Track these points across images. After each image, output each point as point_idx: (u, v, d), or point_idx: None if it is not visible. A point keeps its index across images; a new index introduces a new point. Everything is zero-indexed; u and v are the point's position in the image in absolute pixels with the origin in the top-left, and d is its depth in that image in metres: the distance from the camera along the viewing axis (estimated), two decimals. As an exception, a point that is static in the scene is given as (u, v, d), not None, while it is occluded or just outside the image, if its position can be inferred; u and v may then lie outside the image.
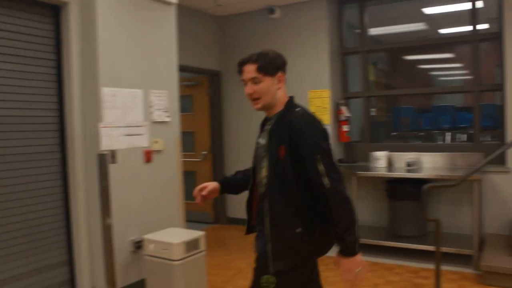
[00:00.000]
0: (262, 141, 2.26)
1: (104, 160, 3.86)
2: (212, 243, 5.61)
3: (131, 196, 4.11)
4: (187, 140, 6.56)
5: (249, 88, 2.15)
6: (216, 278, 4.48)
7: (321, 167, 2.00)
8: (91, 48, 3.91)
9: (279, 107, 2.22)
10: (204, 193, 2.48)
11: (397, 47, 6.65)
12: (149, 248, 3.75)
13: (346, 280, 2.03)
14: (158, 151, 4.35)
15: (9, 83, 3.61)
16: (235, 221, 6.66)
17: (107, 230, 3.91)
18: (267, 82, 2.15)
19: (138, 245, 4.08)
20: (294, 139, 2.06)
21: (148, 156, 4.25)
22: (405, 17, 6.81)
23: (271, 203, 2.12)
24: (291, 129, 2.08)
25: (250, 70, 2.14)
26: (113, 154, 3.91)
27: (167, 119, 4.47)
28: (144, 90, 4.24)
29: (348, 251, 2.01)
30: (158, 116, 4.37)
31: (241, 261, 4.99)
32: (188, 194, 6.39)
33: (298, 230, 2.06)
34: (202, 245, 3.83)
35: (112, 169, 3.91)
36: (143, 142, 4.19)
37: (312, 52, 5.99)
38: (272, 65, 2.17)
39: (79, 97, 3.98)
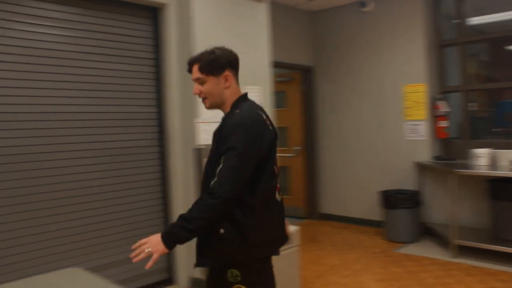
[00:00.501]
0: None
1: (201, 155, 4.02)
2: (305, 238, 5.63)
3: (228, 189, 4.21)
4: (280, 135, 6.60)
5: (195, 89, 2.12)
6: (309, 273, 4.49)
7: (220, 167, 1.92)
8: (188, 46, 4.07)
9: (228, 107, 2.13)
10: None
11: (500, 37, 6.24)
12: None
13: (138, 251, 1.96)
14: (252, 146, 4.43)
15: (114, 81, 3.90)
16: (327, 217, 6.63)
17: (204, 223, 4.07)
18: (211, 82, 2.08)
19: (233, 238, 4.18)
20: (220, 140, 2.01)
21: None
22: (510, 3, 6.38)
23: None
24: (220, 131, 2.04)
25: (195, 70, 2.10)
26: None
27: (261, 115, 4.53)
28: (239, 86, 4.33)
29: (166, 233, 1.96)
30: (252, 111, 4.44)
31: (333, 258, 4.97)
32: (282, 189, 6.48)
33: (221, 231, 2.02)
34: (296, 240, 3.85)
35: (209, 163, 4.06)
36: (238, 137, 4.29)
37: (407, 45, 5.80)
38: (215, 64, 2.07)
39: (177, 93, 4.17)
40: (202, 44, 4.04)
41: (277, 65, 5.55)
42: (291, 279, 3.80)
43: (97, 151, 3.79)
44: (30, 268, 3.40)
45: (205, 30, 4.09)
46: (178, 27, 4.16)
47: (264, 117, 2.13)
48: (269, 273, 2.21)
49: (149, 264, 1.89)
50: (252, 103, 2.17)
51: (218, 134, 2.04)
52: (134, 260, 1.91)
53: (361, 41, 6.22)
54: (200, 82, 2.09)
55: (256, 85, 4.50)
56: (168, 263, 4.26)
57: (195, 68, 2.09)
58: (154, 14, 4.19)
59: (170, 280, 4.27)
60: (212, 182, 1.91)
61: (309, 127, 6.79)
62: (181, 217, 1.94)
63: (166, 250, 1.93)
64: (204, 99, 2.13)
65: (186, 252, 4.17)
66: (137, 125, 4.06)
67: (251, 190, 2.00)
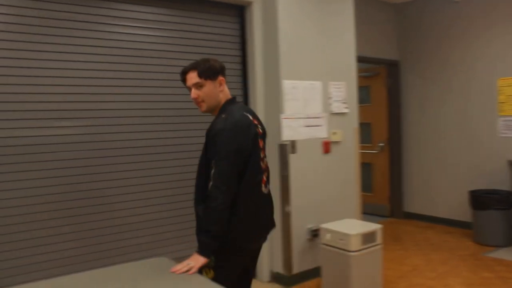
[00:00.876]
0: None
1: (285, 150, 4.05)
2: (387, 237, 5.50)
3: (310, 185, 4.22)
4: (364, 131, 6.50)
5: (193, 93, 2.28)
6: (391, 272, 4.39)
7: (212, 171, 2.16)
8: (273, 43, 4.10)
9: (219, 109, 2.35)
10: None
11: None
12: (326, 238, 3.82)
13: (179, 267, 2.11)
14: (336, 142, 4.40)
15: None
16: (412, 216, 6.42)
17: (286, 217, 4.10)
18: (209, 86, 2.28)
19: (315, 234, 4.19)
20: (208, 143, 2.25)
21: (327, 147, 4.32)
22: None
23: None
24: (209, 131, 2.26)
25: (193, 76, 2.26)
26: (293, 144, 4.07)
27: (345, 110, 4.48)
28: (323, 82, 4.31)
29: (200, 248, 2.16)
30: (337, 107, 4.41)
31: (417, 258, 4.81)
32: (365, 186, 6.38)
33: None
34: (379, 238, 3.78)
35: (292, 159, 4.08)
36: (322, 133, 4.28)
37: (503, 36, 5.43)
38: (212, 70, 2.28)
39: (262, 90, 4.21)
40: (287, 40, 4.06)
41: (361, 59, 5.44)
42: (373, 278, 3.74)
43: (187, 146, 3.94)
44: (119, 256, 3.61)
45: (290, 27, 4.09)
46: (263, 24, 4.19)
47: (251, 117, 2.33)
48: (242, 261, 2.38)
49: (191, 272, 2.10)
50: (239, 105, 2.39)
51: (206, 138, 2.28)
52: (177, 272, 2.09)
53: (451, 32, 5.91)
54: (199, 86, 2.27)
55: (341, 81, 4.44)
56: (251, 256, 4.33)
57: (193, 74, 2.26)
58: (241, 12, 4.25)
59: (252, 272, 4.34)
60: (210, 186, 2.16)
61: (394, 123, 6.59)
62: (202, 230, 2.20)
63: (205, 260, 2.14)
64: (201, 103, 2.31)
65: (268, 247, 4.23)
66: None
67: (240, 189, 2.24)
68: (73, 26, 3.40)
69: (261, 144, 2.39)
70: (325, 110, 4.31)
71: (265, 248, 4.21)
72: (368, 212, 6.36)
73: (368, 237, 3.69)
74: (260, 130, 2.41)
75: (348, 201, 4.53)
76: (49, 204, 3.32)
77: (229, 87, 4.03)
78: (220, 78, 2.34)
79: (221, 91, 2.34)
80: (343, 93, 4.46)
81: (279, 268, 4.18)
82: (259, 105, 4.18)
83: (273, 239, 4.21)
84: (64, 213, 3.39)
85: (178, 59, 3.87)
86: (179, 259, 2.42)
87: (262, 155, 2.39)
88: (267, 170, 2.45)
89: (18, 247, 3.20)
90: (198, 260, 2.13)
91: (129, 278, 2.07)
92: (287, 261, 4.13)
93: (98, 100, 3.52)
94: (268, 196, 2.49)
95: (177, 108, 3.89)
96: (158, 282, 2.02)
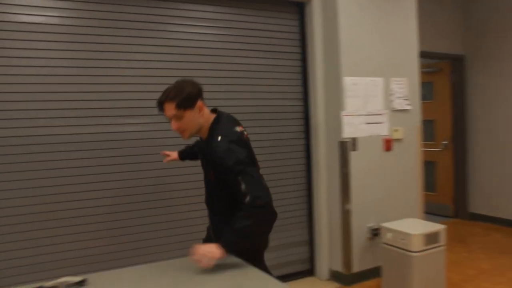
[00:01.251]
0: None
1: (346, 147, 3.99)
2: (451, 238, 5.30)
3: (370, 183, 4.15)
4: (427, 129, 6.30)
5: (174, 125, 2.22)
6: (455, 275, 4.24)
7: (243, 187, 2.09)
8: (333, 40, 4.05)
9: (206, 130, 2.31)
10: (164, 161, 3.12)
11: None
12: (387, 237, 3.74)
13: (200, 258, 2.08)
14: (398, 140, 4.29)
15: (262, 76, 4.03)
16: (477, 217, 6.16)
17: (346, 215, 4.05)
18: (189, 115, 2.20)
19: (375, 233, 4.11)
20: (218, 167, 2.18)
21: (388, 144, 4.22)
22: None
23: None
24: (215, 160, 2.18)
25: (170, 108, 2.17)
26: (354, 141, 4.01)
27: (407, 107, 4.36)
28: (384, 78, 4.21)
29: (224, 242, 2.09)
30: (399, 104, 4.30)
31: (484, 261, 4.61)
32: (428, 185, 6.19)
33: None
34: (442, 239, 3.65)
35: (353, 156, 4.02)
36: (383, 130, 4.19)
37: None
38: (190, 98, 2.19)
39: (323, 87, 4.17)
40: (347, 36, 4.00)
41: (424, 55, 5.27)
42: (436, 280, 3.62)
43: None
44: (165, 252, 3.67)
45: (351, 23, 4.03)
46: (323, 22, 4.15)
47: (238, 129, 2.34)
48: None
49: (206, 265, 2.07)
50: (225, 121, 2.34)
51: (213, 162, 2.22)
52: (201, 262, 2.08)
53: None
54: (178, 118, 2.20)
55: (403, 77, 4.33)
56: (310, 254, 4.32)
57: (171, 106, 2.17)
58: (300, 9, 4.23)
59: (311, 271, 4.32)
60: (248, 200, 2.08)
61: (459, 120, 6.35)
62: (245, 232, 2.11)
63: (221, 254, 2.07)
64: (182, 132, 2.26)
65: (328, 245, 4.21)
66: (284, 118, 4.16)
67: None
68: (136, 27, 3.52)
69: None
70: (386, 107, 4.22)
71: (324, 246, 4.20)
72: (431, 212, 6.17)
73: (430, 238, 3.58)
74: (246, 134, 2.44)
75: (409, 200, 4.41)
76: (118, 198, 3.49)
77: (288, 84, 4.14)
78: (199, 104, 2.24)
79: (201, 116, 2.26)
80: (405, 90, 4.34)
81: (338, 267, 4.14)
82: (319, 102, 4.15)
83: (333, 237, 4.17)
84: (130, 207, 3.53)
85: (239, 56, 3.92)
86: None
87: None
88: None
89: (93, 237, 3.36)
90: (217, 253, 2.07)
91: (186, 271, 2.11)
92: (347, 259, 4.08)
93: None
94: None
95: (239, 105, 3.93)
96: (214, 276, 2.05)
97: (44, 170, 3.24)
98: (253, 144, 3.87)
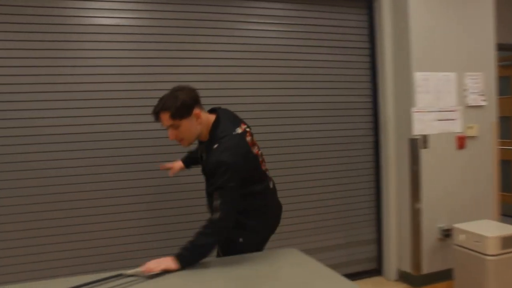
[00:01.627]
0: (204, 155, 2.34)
1: (416, 145, 3.87)
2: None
3: (442, 182, 4.00)
4: (504, 126, 5.98)
5: (171, 135, 2.21)
6: (535, 281, 4.00)
7: (218, 202, 2.11)
8: (403, 34, 3.93)
9: (206, 134, 2.28)
10: (170, 174, 3.01)
11: None
12: (459, 238, 3.59)
13: (150, 266, 2.04)
14: (472, 137, 4.10)
15: (330, 72, 3.99)
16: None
17: (415, 214, 3.94)
18: (185, 124, 2.18)
19: (447, 233, 3.96)
20: (211, 174, 2.18)
21: (461, 142, 4.05)
22: None
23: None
24: (209, 166, 2.19)
25: (166, 118, 2.16)
26: (424, 139, 3.89)
27: (482, 103, 4.16)
28: (457, 73, 4.04)
29: (182, 256, 2.08)
30: (473, 100, 4.11)
31: None
32: (504, 185, 5.89)
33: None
34: (521, 243, 3.47)
35: (423, 154, 3.90)
36: (456, 127, 4.02)
37: None
38: (185, 107, 2.15)
39: (392, 82, 4.07)
40: (417, 30, 3.87)
41: (502, 47, 4.99)
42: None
43: (313, 139, 3.96)
44: None
45: (421, 16, 3.88)
46: (393, 15, 4.04)
47: (239, 129, 2.29)
48: None
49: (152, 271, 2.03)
50: (225, 123, 2.28)
51: (207, 167, 2.24)
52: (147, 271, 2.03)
53: None
54: (175, 127, 2.19)
55: (478, 71, 4.13)
56: (377, 253, 4.23)
57: (166, 116, 2.15)
58: (369, 3, 4.14)
59: (378, 270, 4.24)
60: (217, 216, 2.10)
61: (539, 117, 5.99)
62: (194, 245, 2.11)
63: (175, 268, 2.07)
64: (181, 141, 2.26)
65: (396, 244, 4.11)
66: (352, 114, 4.10)
67: (250, 194, 2.31)
68: (204, 26, 3.60)
69: (254, 147, 2.39)
70: (459, 103, 4.04)
71: (392, 245, 4.11)
72: (509, 213, 5.87)
73: (508, 241, 3.40)
74: (249, 130, 2.41)
75: (484, 201, 4.21)
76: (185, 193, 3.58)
77: (356, 80, 4.07)
78: (195, 111, 2.20)
79: (199, 123, 2.23)
80: (480, 85, 4.14)
81: (407, 267, 4.03)
82: (388, 98, 4.05)
83: (402, 236, 4.07)
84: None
85: (306, 53, 3.90)
86: (307, 251, 2.44)
87: (258, 155, 2.42)
88: (264, 160, 2.50)
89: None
90: (170, 265, 2.06)
91: (262, 266, 2.13)
92: (416, 260, 3.96)
93: (228, 95, 3.68)
94: (274, 189, 2.61)
95: (306, 102, 3.91)
96: (288, 271, 2.05)
97: (131, 164, 3.43)
98: (319, 142, 3.93)
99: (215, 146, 2.19)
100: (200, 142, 2.42)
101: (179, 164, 3.02)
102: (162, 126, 2.22)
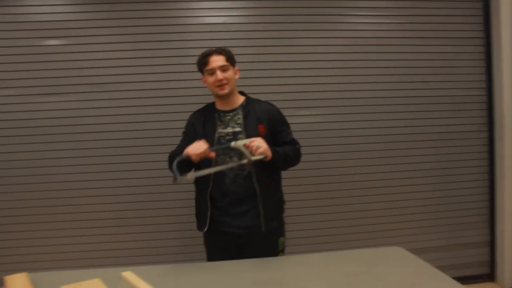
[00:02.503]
0: (230, 129, 2.39)
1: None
2: None
3: None
4: None
5: (220, 75, 2.34)
6: None
7: (291, 137, 2.50)
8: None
9: (236, 97, 2.49)
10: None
11: None
12: None
13: (259, 141, 2.18)
14: None
15: (437, 65, 3.79)
16: None
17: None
18: (231, 72, 2.41)
19: None
20: (274, 119, 2.46)
21: None
22: None
23: (259, 178, 2.35)
24: (270, 112, 2.47)
25: (219, 59, 2.36)
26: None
27: None
28: None
29: (273, 152, 2.24)
30: None
31: None
32: None
33: (279, 194, 2.54)
34: None
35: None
36: None
37: None
38: (234, 59, 2.45)
39: (510, 74, 3.76)
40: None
41: None
42: None
43: (418, 135, 3.80)
44: (354, 241, 3.72)
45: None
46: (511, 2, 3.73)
47: None
48: None
49: (259, 151, 2.15)
50: None
51: (268, 115, 2.44)
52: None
53: None
54: (225, 69, 2.37)
55: None
56: (490, 257, 3.96)
57: (219, 57, 2.36)
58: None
59: (490, 275, 3.96)
60: (298, 145, 2.51)
61: None
62: (289, 153, 2.41)
63: (269, 155, 2.21)
64: (225, 84, 2.37)
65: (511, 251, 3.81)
66: (463, 109, 3.85)
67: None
68: (311, 20, 3.60)
69: None
70: None
71: (508, 249, 3.83)
72: None
73: None
74: None
75: None
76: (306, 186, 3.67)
77: (468, 72, 3.83)
78: (236, 67, 2.48)
79: (235, 79, 2.46)
80: None
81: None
82: (505, 91, 3.74)
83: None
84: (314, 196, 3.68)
85: (411, 45, 3.74)
86: (413, 250, 2.34)
87: None
88: None
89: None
90: (269, 151, 2.21)
91: (367, 263, 2.09)
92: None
93: (338, 89, 3.66)
94: None
95: (412, 96, 3.76)
96: (394, 270, 1.99)
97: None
98: (425, 137, 3.79)
99: (258, 99, 2.55)
100: (223, 113, 2.45)
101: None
102: (206, 69, 2.38)
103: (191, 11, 3.46)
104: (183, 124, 2.60)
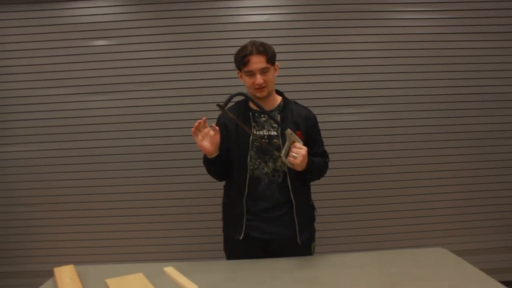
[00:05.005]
0: (266, 132, 2.29)
1: None
2: None
3: None
4: None
5: (260, 79, 2.20)
6: None
7: (323, 148, 2.43)
8: None
9: (273, 98, 2.36)
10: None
11: None
12: None
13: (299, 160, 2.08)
14: None
15: (487, 61, 3.67)
16: None
17: None
18: (272, 72, 2.26)
19: None
20: (311, 128, 2.35)
21: None
22: None
23: (293, 185, 2.28)
24: (307, 119, 2.34)
25: (260, 61, 2.18)
26: None
27: None
28: None
29: (309, 165, 2.17)
30: None
31: None
32: None
33: (311, 202, 2.47)
34: None
35: None
36: None
37: None
38: (275, 56, 2.26)
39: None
40: None
41: None
42: None
43: (467, 133, 3.70)
44: (393, 241, 3.69)
45: None
46: None
47: None
48: None
49: (298, 160, 2.07)
50: None
51: (305, 122, 2.33)
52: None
53: None
54: (265, 71, 2.20)
55: None
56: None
57: (261, 58, 2.18)
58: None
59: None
60: (328, 160, 2.43)
61: None
62: (321, 164, 2.33)
63: (304, 164, 2.13)
64: (264, 88, 2.23)
65: None
66: (501, 106, 3.72)
67: None
68: (353, 17, 3.57)
69: None
70: None
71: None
72: None
73: None
74: None
75: None
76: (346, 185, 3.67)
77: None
78: (276, 64, 2.32)
79: (274, 78, 2.31)
80: None
81: None
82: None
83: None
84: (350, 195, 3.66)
85: (460, 41, 3.64)
86: (457, 252, 2.29)
87: None
88: None
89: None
90: (302, 166, 2.12)
91: (409, 264, 2.06)
92: None
93: (383, 87, 3.62)
94: None
95: (460, 94, 3.66)
96: (437, 272, 1.95)
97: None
98: (471, 136, 3.64)
99: (295, 102, 2.44)
100: (259, 114, 2.33)
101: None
102: (245, 69, 2.21)
103: (233, 10, 3.50)
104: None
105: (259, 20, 3.50)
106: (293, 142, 2.10)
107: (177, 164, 3.58)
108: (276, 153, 2.19)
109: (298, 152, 2.06)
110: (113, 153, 3.57)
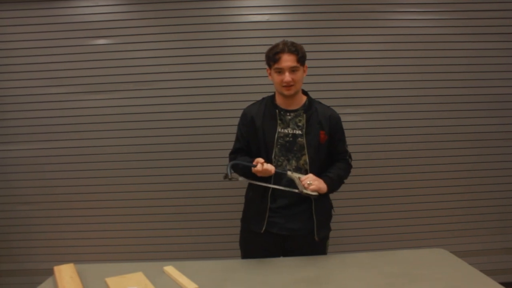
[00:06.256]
0: (291, 130, 2.34)
1: None
2: None
3: None
4: None
5: (288, 77, 2.24)
6: None
7: (345, 147, 2.48)
8: None
9: (299, 97, 2.40)
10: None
11: None
12: None
13: (316, 183, 2.22)
14: None
15: (490, 62, 3.64)
16: None
17: None
18: (301, 72, 2.29)
19: None
20: (334, 128, 2.38)
21: None
22: None
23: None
24: (331, 119, 2.37)
25: (290, 59, 2.22)
26: None
27: None
28: None
29: (328, 184, 2.29)
30: None
31: None
32: None
33: (330, 200, 2.50)
34: None
35: None
36: None
37: None
38: (305, 57, 2.29)
39: None
40: None
41: None
42: None
43: (472, 134, 3.69)
44: (393, 242, 3.67)
45: None
46: None
47: None
48: None
49: (311, 188, 2.19)
50: None
51: (329, 122, 2.36)
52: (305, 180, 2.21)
53: None
54: (294, 70, 2.25)
55: None
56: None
57: (291, 57, 2.22)
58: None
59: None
60: (351, 162, 2.50)
61: None
62: (340, 177, 2.40)
63: (325, 190, 2.27)
64: (292, 86, 2.27)
65: None
66: (504, 108, 3.70)
67: None
68: (355, 18, 3.55)
69: None
70: None
71: None
72: None
73: None
74: None
75: None
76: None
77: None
78: (306, 65, 2.34)
79: (303, 77, 2.35)
80: None
81: None
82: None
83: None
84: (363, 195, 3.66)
85: (462, 42, 3.62)
86: (457, 253, 2.29)
87: None
88: None
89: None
90: (323, 186, 2.25)
91: (409, 265, 2.07)
92: None
93: (382, 87, 3.60)
94: None
95: (463, 95, 3.65)
96: (437, 272, 1.95)
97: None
98: (471, 137, 3.64)
99: (317, 100, 2.48)
100: (284, 112, 2.38)
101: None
102: (279, 66, 2.24)
103: (233, 10, 3.49)
104: (230, 121, 2.61)
105: (260, 20, 3.49)
106: (299, 178, 2.20)
107: (177, 164, 3.57)
108: (296, 190, 2.24)
109: (307, 178, 2.20)
110: (114, 152, 3.56)
